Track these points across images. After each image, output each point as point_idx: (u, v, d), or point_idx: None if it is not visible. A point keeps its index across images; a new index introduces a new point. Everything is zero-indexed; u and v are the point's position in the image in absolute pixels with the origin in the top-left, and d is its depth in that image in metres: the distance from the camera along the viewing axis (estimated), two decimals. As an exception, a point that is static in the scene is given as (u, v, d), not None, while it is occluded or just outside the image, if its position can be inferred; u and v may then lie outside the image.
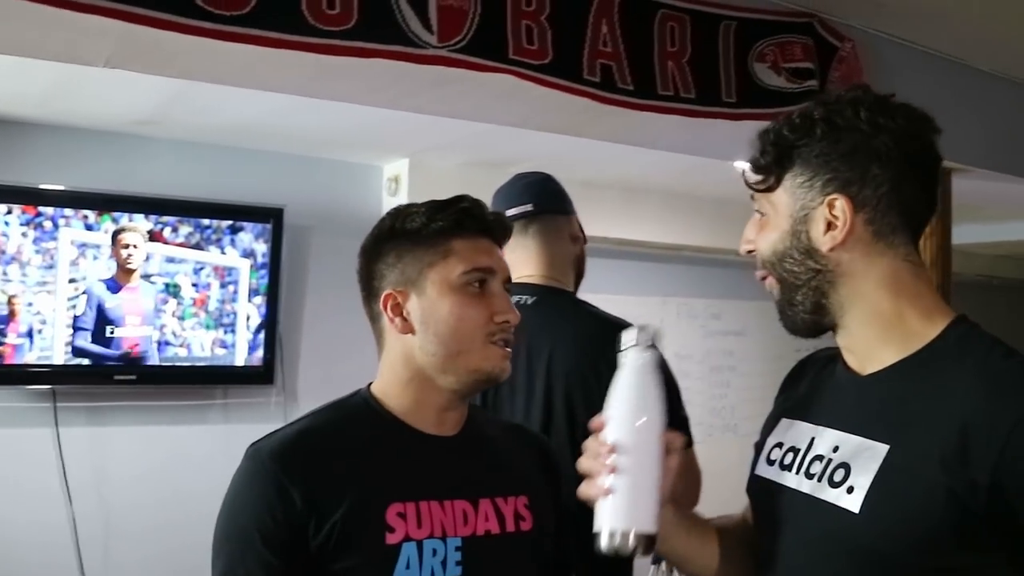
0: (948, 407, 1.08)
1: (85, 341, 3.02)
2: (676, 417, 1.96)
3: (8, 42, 1.92)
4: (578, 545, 1.33)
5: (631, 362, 1.17)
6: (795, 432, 1.26)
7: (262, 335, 3.33)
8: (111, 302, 3.06)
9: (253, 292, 3.31)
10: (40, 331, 2.95)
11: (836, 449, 1.16)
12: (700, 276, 4.89)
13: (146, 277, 3.12)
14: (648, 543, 1.12)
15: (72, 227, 3.01)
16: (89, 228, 3.03)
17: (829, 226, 1.16)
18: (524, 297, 1.89)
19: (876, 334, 1.18)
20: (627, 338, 1.18)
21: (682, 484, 1.88)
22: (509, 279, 1.38)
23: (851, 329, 1.20)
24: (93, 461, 3.14)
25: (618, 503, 1.12)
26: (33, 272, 2.95)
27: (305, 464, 1.25)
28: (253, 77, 2.20)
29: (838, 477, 1.14)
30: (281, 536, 1.21)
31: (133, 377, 3.12)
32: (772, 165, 1.20)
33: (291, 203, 3.40)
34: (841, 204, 1.16)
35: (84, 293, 3.02)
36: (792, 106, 1.27)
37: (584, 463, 1.17)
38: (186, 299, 3.20)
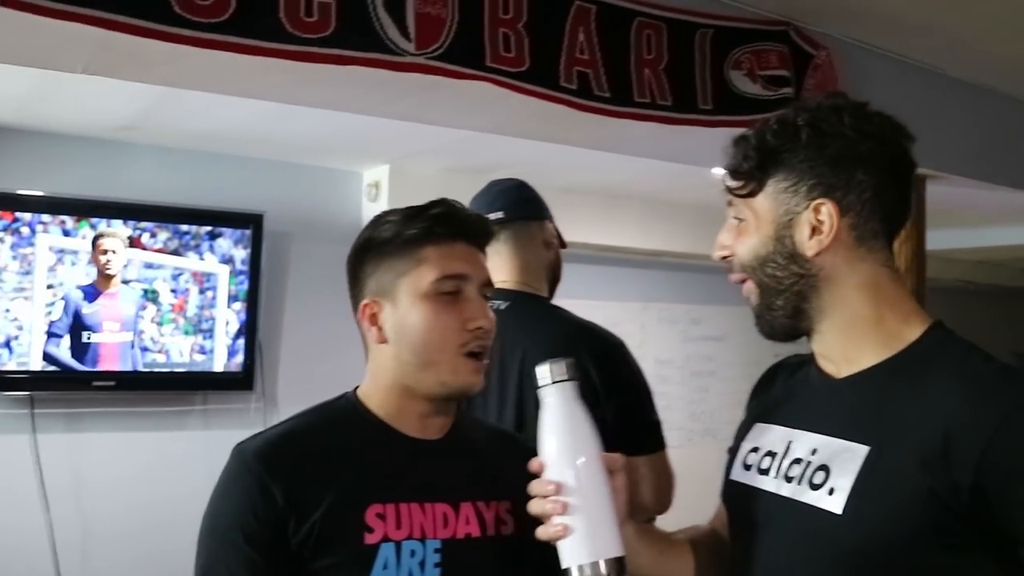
0: (929, 409, 1.09)
1: (56, 347, 3.00)
2: (647, 421, 1.97)
3: (-15, 48, 1.92)
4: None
5: (552, 400, 1.18)
6: (771, 436, 1.26)
7: (241, 341, 3.32)
8: (89, 308, 3.05)
9: (232, 298, 3.31)
10: (17, 337, 2.94)
11: (815, 452, 1.17)
12: (680, 282, 4.91)
13: (125, 283, 3.12)
14: (619, 565, 1.13)
15: (50, 233, 3.00)
16: (67, 234, 3.02)
17: (814, 231, 1.17)
18: (497, 302, 1.90)
19: (854, 338, 1.19)
20: (541, 376, 1.18)
21: (648, 494, 1.90)
22: (489, 283, 1.37)
23: (828, 334, 1.21)
24: (71, 467, 3.12)
25: (579, 538, 1.13)
26: (10, 278, 2.93)
27: (288, 463, 1.26)
28: (232, 84, 2.21)
29: (818, 479, 1.14)
30: (263, 534, 1.21)
31: (112, 383, 3.11)
32: (755, 170, 1.21)
33: (271, 209, 3.40)
34: (828, 209, 1.16)
35: (62, 299, 3.01)
36: (768, 113, 1.27)
37: (535, 507, 1.17)
38: (164, 305, 3.19)
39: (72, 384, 3.07)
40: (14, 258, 2.94)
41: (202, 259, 3.25)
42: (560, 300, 2.11)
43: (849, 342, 1.20)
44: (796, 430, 1.22)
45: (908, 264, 3.17)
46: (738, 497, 1.28)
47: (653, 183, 3.99)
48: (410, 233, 1.32)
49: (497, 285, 1.96)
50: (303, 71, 2.00)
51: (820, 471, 1.15)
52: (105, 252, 3.08)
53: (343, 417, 1.36)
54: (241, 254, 3.32)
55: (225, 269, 3.29)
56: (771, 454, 1.24)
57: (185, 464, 3.19)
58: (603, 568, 1.11)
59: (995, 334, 5.22)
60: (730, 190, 1.24)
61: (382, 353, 1.34)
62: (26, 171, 3.08)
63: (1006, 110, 3.61)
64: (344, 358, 1.47)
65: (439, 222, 1.33)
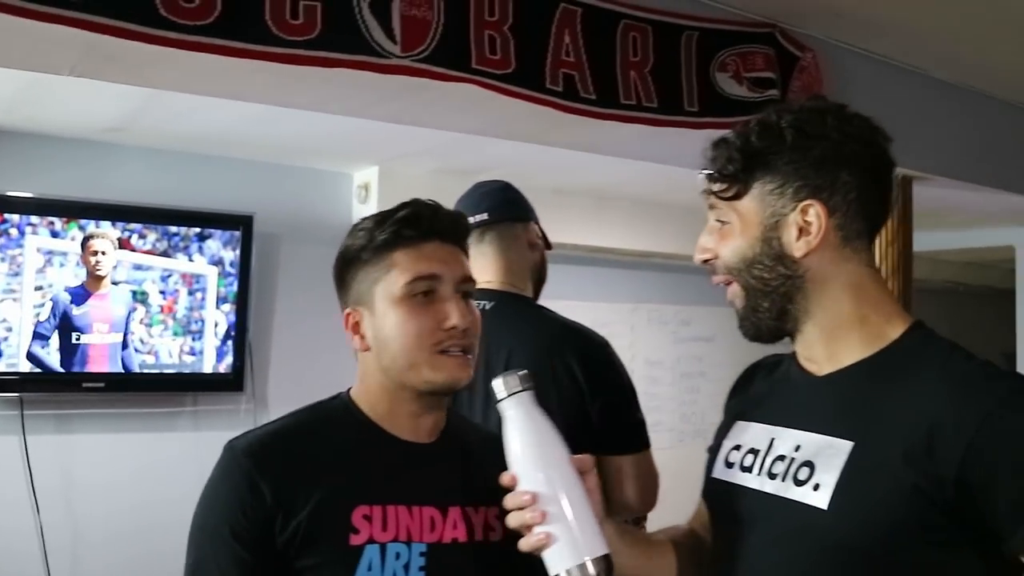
0: (913, 406, 1.10)
1: (44, 349, 3.00)
2: (632, 421, 1.98)
3: (-28, 51, 1.92)
4: None
5: (512, 412, 1.19)
6: (752, 434, 1.27)
7: (231, 342, 3.33)
8: (79, 309, 3.05)
9: (221, 299, 3.31)
10: (6, 339, 2.94)
11: (798, 448, 1.18)
12: (670, 282, 4.91)
13: (114, 284, 3.11)
14: (606, 562, 1.13)
15: (39, 234, 3.00)
16: (56, 235, 3.02)
17: (801, 232, 1.18)
18: (482, 302, 1.91)
19: (838, 337, 1.20)
20: (498, 391, 1.19)
21: (633, 493, 1.91)
22: (467, 279, 1.35)
23: (812, 334, 1.22)
24: (61, 469, 3.12)
25: (562, 544, 1.13)
26: (-1, 280, 2.94)
27: (278, 461, 1.26)
28: (218, 86, 2.21)
29: (802, 476, 1.15)
30: (252, 531, 1.22)
31: (101, 385, 3.11)
32: (740, 173, 1.21)
33: (260, 210, 3.40)
34: (815, 210, 1.17)
35: (51, 300, 3.01)
36: (753, 115, 1.27)
37: (514, 520, 1.17)
38: (154, 306, 3.19)
39: (62, 385, 3.07)
40: (3, 260, 2.94)
41: (191, 260, 3.25)
42: (549, 301, 2.12)
43: (832, 341, 1.21)
44: (778, 427, 1.23)
45: (895, 265, 3.19)
46: (721, 495, 1.28)
47: (642, 184, 4.00)
48: (381, 239, 1.32)
49: (482, 286, 1.97)
50: (289, 73, 2.01)
51: (804, 467, 1.16)
52: (95, 253, 3.07)
53: (335, 417, 1.36)
54: (231, 255, 3.32)
55: (214, 270, 3.29)
56: (753, 451, 1.24)
57: (175, 465, 3.19)
58: (591, 568, 1.12)
59: (986, 335, 5.26)
60: (714, 193, 1.24)
61: (367, 360, 1.35)
62: (14, 173, 3.07)
63: (991, 112, 3.63)
64: (334, 359, 1.48)
65: (407, 224, 1.32)
